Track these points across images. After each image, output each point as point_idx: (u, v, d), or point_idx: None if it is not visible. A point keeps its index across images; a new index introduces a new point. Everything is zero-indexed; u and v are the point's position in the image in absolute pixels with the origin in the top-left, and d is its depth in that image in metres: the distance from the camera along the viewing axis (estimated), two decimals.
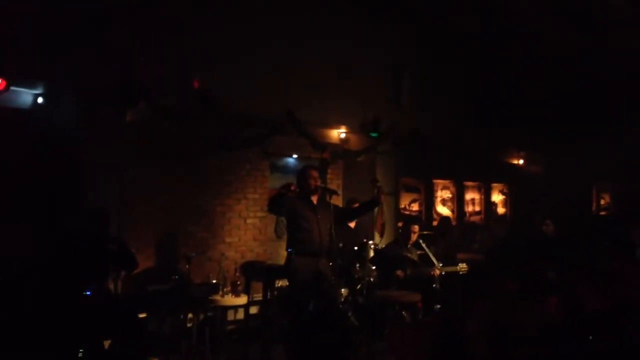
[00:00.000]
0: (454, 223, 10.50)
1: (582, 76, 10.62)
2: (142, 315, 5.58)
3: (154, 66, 6.42)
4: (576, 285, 5.84)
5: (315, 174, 5.87)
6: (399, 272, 6.84)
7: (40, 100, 5.80)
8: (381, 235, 7.89)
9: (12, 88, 5.54)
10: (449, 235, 9.05)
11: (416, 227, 7.32)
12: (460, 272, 7.17)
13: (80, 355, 4.77)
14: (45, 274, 5.01)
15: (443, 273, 7.05)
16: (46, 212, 5.71)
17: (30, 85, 5.78)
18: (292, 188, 5.51)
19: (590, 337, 4.67)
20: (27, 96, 5.79)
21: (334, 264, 5.95)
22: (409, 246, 7.22)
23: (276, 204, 5.66)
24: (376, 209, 7.60)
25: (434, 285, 7.04)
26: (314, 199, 5.78)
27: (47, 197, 5.74)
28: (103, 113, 6.11)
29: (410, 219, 8.08)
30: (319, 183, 5.79)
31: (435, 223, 10.17)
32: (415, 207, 10.29)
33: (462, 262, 7.40)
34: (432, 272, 6.99)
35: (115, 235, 5.76)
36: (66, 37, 5.87)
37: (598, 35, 9.46)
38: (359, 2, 8.80)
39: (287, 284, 6.54)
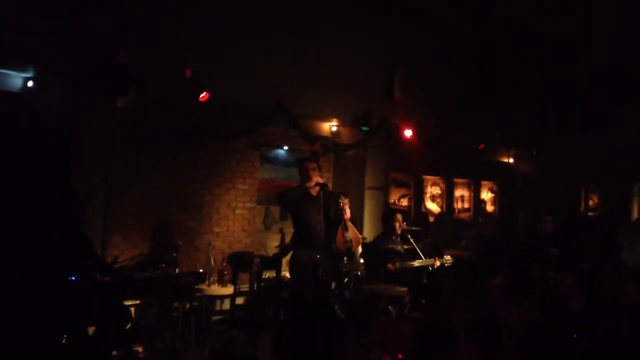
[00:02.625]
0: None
1: (574, 76, 10.65)
2: (127, 303, 5.55)
3: (145, 54, 6.37)
4: (561, 285, 5.87)
5: (311, 165, 5.84)
6: (390, 266, 6.83)
7: (30, 83, 5.76)
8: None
9: (2, 70, 5.52)
10: (443, 231, 9.09)
11: (399, 216, 7.29)
12: (446, 265, 7.16)
13: (63, 341, 4.75)
14: (29, 259, 4.97)
15: (438, 265, 7.03)
16: (32, 196, 5.67)
17: (20, 68, 5.74)
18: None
19: (574, 336, 4.71)
20: (17, 79, 5.75)
21: (321, 256, 5.94)
22: (395, 238, 7.20)
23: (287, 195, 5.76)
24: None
25: (424, 281, 7.05)
26: (313, 191, 5.76)
27: (33, 182, 5.70)
28: (92, 99, 6.08)
29: (390, 211, 8.09)
30: (316, 174, 5.75)
31: (431, 219, 10.24)
32: (404, 202, 10.31)
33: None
34: (433, 264, 6.99)
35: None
36: (57, 21, 5.84)
37: (587, 36, 9.50)
38: None
39: (275, 274, 6.58)
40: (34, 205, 5.64)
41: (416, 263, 6.98)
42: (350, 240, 5.88)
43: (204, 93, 6.66)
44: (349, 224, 5.95)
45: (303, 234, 5.72)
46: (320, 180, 5.74)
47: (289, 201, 5.78)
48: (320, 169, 5.89)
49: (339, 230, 5.85)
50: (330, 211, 5.72)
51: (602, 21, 9.03)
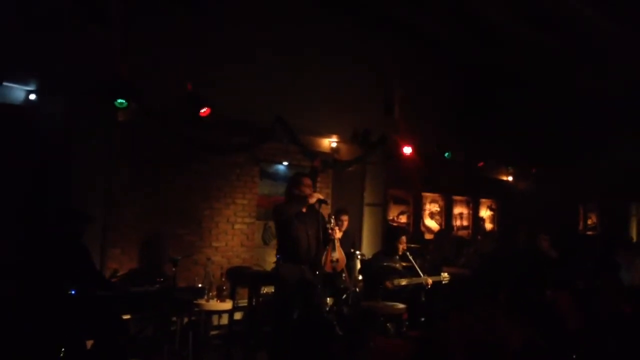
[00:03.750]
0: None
1: (573, 95, 10.71)
2: (125, 317, 5.54)
3: (146, 68, 6.42)
4: (559, 303, 5.87)
5: (307, 181, 5.81)
6: (388, 284, 6.80)
7: (32, 97, 5.79)
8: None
9: (5, 84, 5.55)
10: (442, 248, 9.08)
11: (404, 238, 7.30)
12: (443, 282, 7.13)
13: (61, 355, 4.74)
14: (28, 273, 4.97)
15: (430, 283, 7.00)
16: (32, 209, 5.68)
17: (23, 82, 5.78)
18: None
19: (574, 356, 4.70)
20: (20, 92, 5.79)
21: (319, 273, 5.92)
22: (395, 256, 7.19)
23: (284, 211, 5.67)
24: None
25: (422, 299, 7.02)
26: (304, 207, 5.72)
27: (34, 194, 5.72)
28: (93, 112, 6.12)
29: (397, 231, 8.04)
30: (311, 191, 5.71)
31: (428, 237, 10.24)
32: (403, 219, 10.32)
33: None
34: (425, 282, 6.94)
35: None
36: (60, 35, 5.88)
37: (587, 57, 9.57)
38: (354, 14, 8.85)
39: (273, 290, 6.54)
40: (34, 218, 5.66)
41: (409, 281, 6.94)
42: (337, 260, 5.82)
43: (205, 108, 6.67)
44: (337, 244, 5.88)
45: (297, 251, 5.62)
46: (321, 196, 5.73)
47: (287, 217, 5.71)
48: (315, 185, 5.85)
49: (328, 250, 5.79)
50: (320, 229, 5.68)
51: (601, 43, 9.11)
